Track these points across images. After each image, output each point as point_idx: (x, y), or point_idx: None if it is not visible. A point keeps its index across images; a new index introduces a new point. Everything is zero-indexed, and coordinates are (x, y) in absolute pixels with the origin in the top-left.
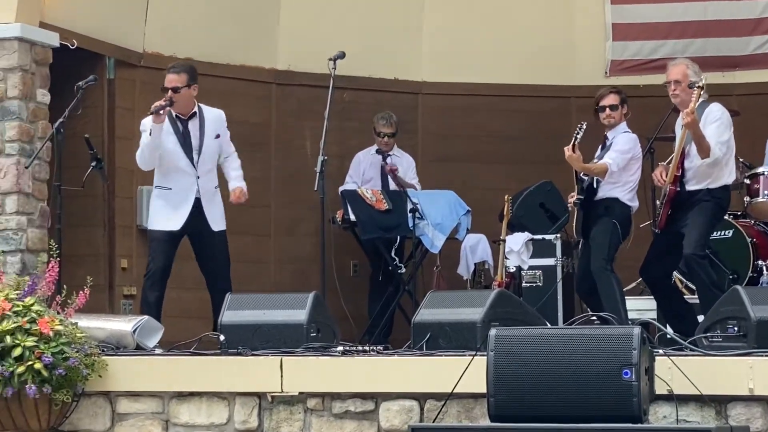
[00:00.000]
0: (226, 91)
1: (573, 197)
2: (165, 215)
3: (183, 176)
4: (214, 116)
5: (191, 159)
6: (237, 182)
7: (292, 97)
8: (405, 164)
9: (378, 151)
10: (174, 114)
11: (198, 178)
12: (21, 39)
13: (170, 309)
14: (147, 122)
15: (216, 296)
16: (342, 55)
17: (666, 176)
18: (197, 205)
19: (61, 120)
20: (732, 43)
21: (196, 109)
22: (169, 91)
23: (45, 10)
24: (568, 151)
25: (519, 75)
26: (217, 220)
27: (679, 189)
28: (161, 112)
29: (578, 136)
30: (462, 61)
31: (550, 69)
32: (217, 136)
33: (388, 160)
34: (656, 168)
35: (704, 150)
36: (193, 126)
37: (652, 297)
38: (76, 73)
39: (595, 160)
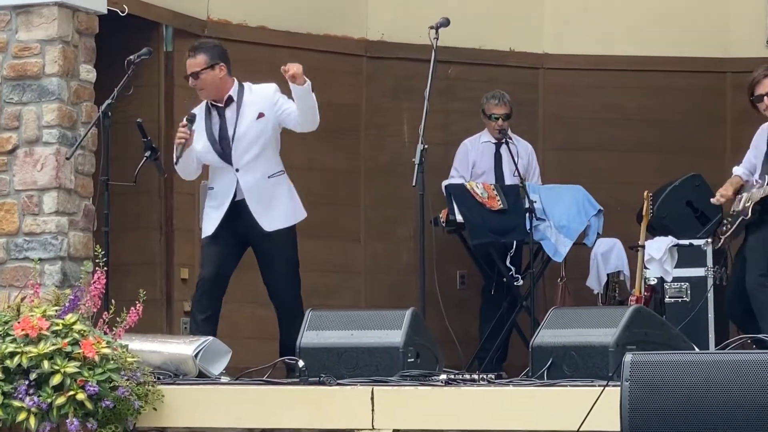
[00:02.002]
0: (307, 66)
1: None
2: (209, 216)
3: (221, 173)
4: (258, 95)
5: (225, 153)
6: None
7: (386, 73)
8: (523, 153)
9: (500, 133)
10: (208, 103)
11: (237, 171)
12: (61, 4)
13: (242, 328)
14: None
15: (279, 312)
16: (446, 22)
17: None
18: (239, 204)
19: (108, 101)
20: None
21: (233, 91)
22: (185, 124)
23: None
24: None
25: (661, 46)
26: (270, 218)
27: None
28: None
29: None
30: (592, 29)
31: (699, 38)
32: (260, 116)
33: (512, 148)
34: None
35: None
36: (230, 114)
37: None
38: (127, 46)
39: None
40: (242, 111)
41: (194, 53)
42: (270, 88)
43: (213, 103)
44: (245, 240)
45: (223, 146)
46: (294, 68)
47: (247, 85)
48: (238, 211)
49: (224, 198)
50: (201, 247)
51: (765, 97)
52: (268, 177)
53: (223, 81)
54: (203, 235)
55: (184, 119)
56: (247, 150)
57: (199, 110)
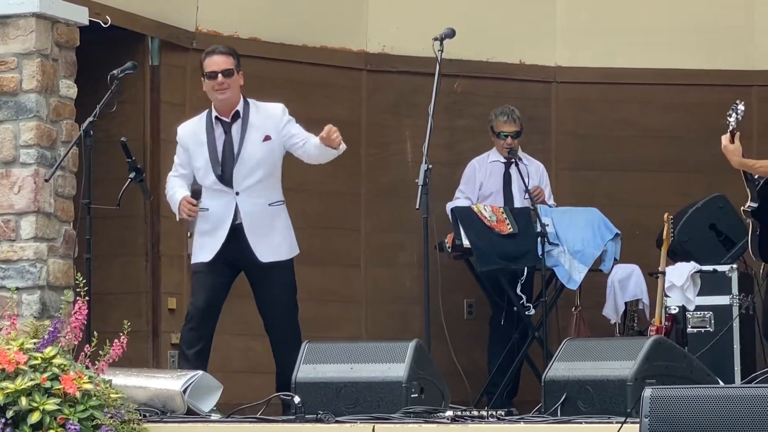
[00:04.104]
0: (302, 80)
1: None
2: (201, 242)
3: (218, 195)
4: (265, 114)
5: (226, 175)
6: None
7: (387, 88)
8: (534, 173)
9: (509, 153)
10: (211, 116)
11: (237, 194)
12: (40, 15)
13: (234, 362)
14: (184, 134)
15: (275, 347)
16: (451, 33)
17: None
18: (237, 230)
19: (90, 119)
20: None
21: (240, 107)
22: (193, 202)
23: None
24: (725, 140)
25: (681, 58)
26: (266, 248)
27: None
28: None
29: (731, 119)
30: (608, 41)
31: (721, 50)
32: (267, 138)
33: (522, 168)
34: None
35: None
36: (236, 130)
37: None
38: (110, 59)
39: None
40: (248, 130)
41: (222, 52)
42: (277, 109)
43: (218, 116)
44: (238, 267)
45: (224, 167)
46: (335, 135)
47: (252, 102)
48: (234, 235)
49: (221, 222)
50: (191, 275)
51: None
52: (269, 205)
53: (239, 91)
54: (193, 261)
55: (191, 195)
56: (250, 174)
57: (198, 120)
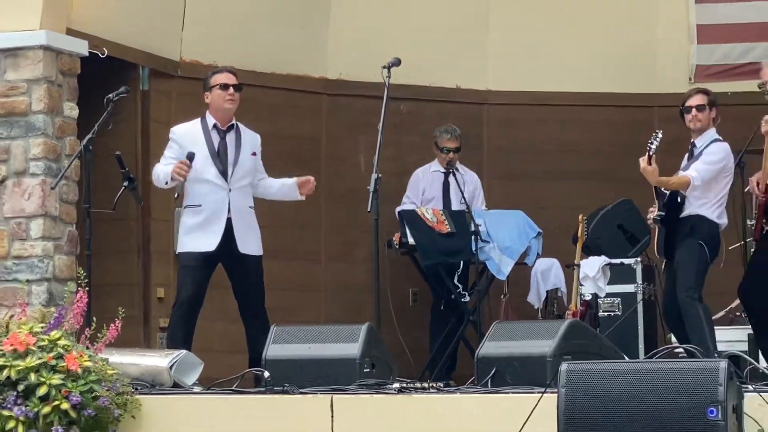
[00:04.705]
0: (271, 102)
1: (652, 213)
2: (195, 235)
3: (213, 190)
4: (252, 135)
5: (224, 171)
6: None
7: (344, 109)
8: (469, 182)
9: (448, 165)
10: (212, 123)
11: (230, 191)
12: (46, 47)
13: (213, 343)
14: (180, 132)
15: (249, 329)
16: (397, 62)
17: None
18: (227, 223)
19: (89, 136)
20: None
21: (234, 121)
22: (188, 163)
23: (72, 15)
24: (643, 162)
25: (594, 83)
26: (247, 242)
27: None
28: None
29: (653, 146)
30: (532, 68)
31: (628, 76)
32: (254, 154)
33: (459, 178)
34: (750, 178)
35: None
36: (230, 138)
37: (744, 327)
38: (106, 85)
39: (680, 172)
40: (243, 142)
41: (233, 72)
42: (258, 138)
43: (216, 124)
44: (219, 259)
45: (222, 163)
46: (311, 186)
47: (238, 123)
48: (227, 228)
49: (217, 214)
50: (180, 267)
51: (693, 109)
52: (249, 207)
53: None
54: (188, 250)
55: (186, 157)
56: (242, 177)
57: (192, 125)
